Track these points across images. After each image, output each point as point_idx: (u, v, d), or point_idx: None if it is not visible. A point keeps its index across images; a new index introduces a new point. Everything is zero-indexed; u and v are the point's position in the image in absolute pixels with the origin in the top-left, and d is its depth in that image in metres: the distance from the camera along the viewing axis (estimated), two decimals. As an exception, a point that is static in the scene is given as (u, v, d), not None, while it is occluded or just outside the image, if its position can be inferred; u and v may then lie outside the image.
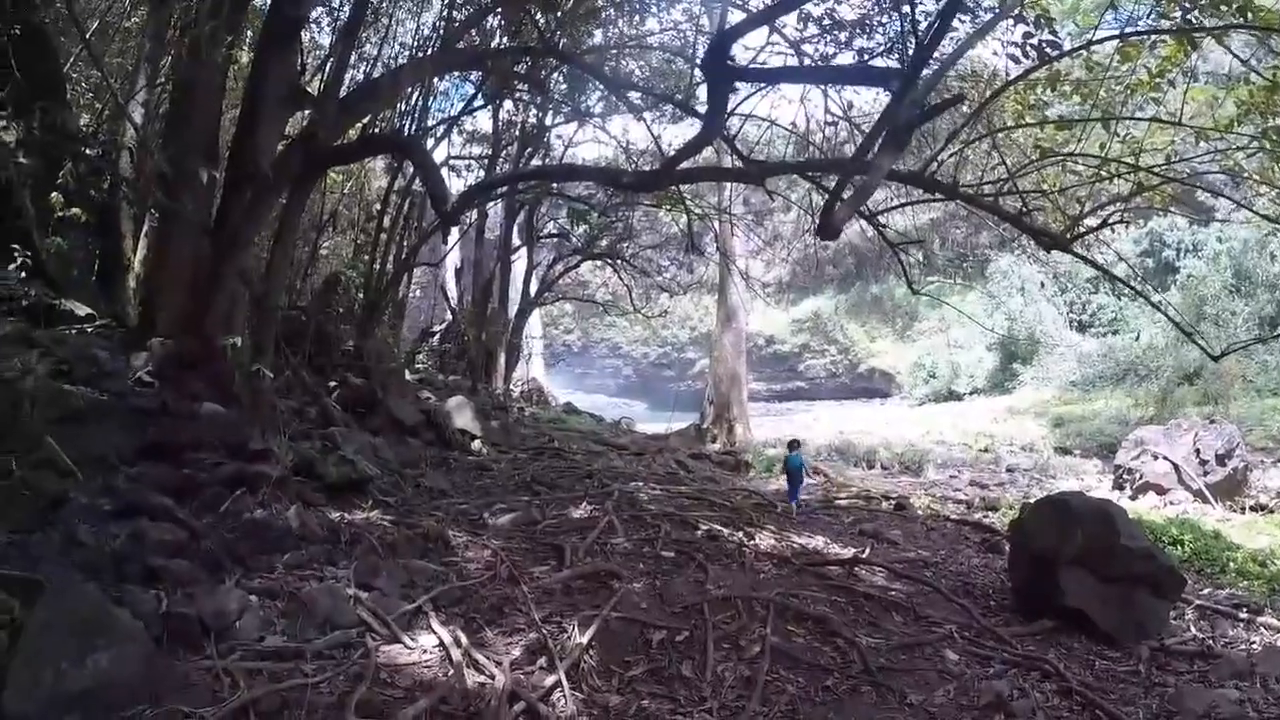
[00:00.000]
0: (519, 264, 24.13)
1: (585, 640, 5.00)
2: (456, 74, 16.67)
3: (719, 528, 8.13)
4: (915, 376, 39.58)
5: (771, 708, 4.73)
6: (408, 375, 15.94)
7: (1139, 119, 8.49)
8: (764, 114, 11.91)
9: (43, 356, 7.17)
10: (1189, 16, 6.93)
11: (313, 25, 13.94)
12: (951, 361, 37.22)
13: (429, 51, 12.81)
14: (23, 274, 8.73)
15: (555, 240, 24.65)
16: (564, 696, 4.41)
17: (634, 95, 12.60)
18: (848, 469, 20.42)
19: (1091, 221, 7.96)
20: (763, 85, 9.96)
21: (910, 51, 6.55)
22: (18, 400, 5.82)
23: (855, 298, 46.69)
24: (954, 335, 38.20)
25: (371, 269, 15.63)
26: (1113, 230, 9.05)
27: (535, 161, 19.92)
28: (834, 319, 46.36)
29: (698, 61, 10.85)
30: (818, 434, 24.97)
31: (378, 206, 17.29)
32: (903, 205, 9.53)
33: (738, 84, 8.40)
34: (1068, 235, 7.47)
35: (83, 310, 9.11)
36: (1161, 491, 15.73)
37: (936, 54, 6.38)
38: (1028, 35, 7.15)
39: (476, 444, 11.51)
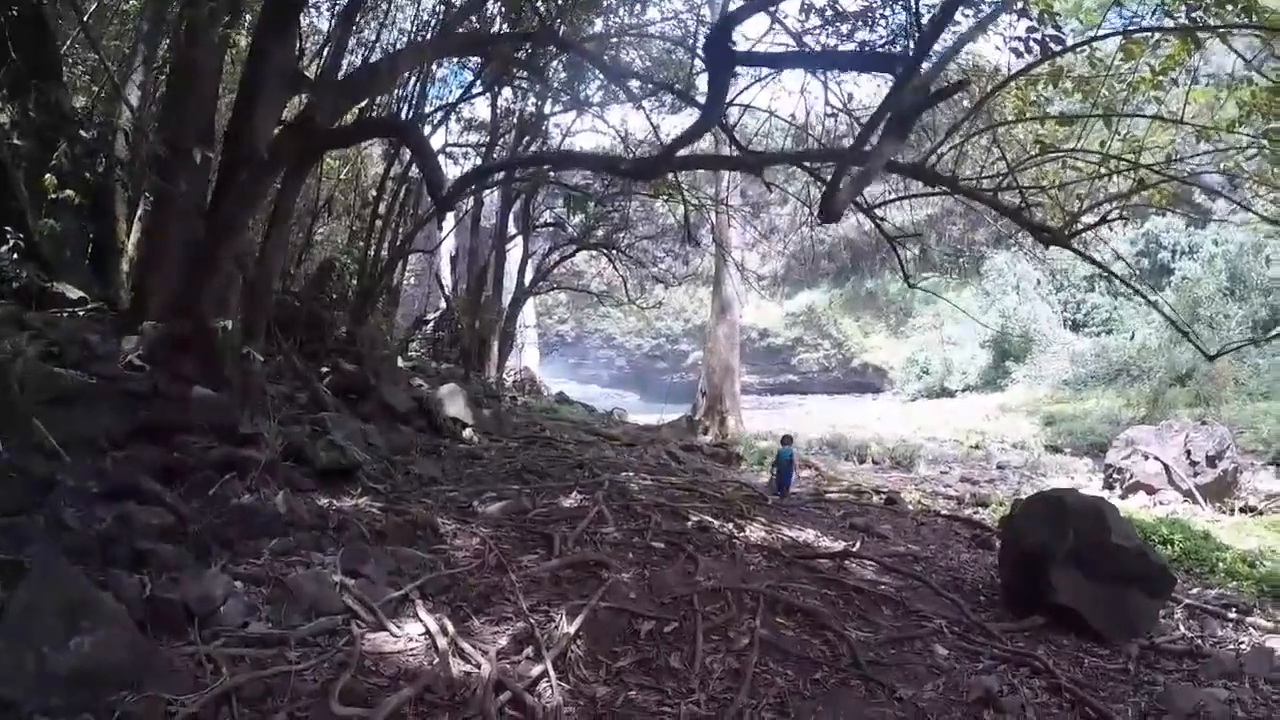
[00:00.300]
0: (514, 253, 24.09)
1: (573, 630, 4.96)
2: (455, 61, 16.65)
3: (709, 519, 8.10)
4: (908, 372, 39.67)
5: (760, 700, 4.70)
6: (401, 362, 15.90)
7: (1141, 116, 8.47)
8: (763, 106, 11.88)
9: (33, 339, 7.13)
10: (1193, 15, 6.88)
11: (311, 9, 13.89)
12: (944, 358, 37.31)
13: (428, 36, 12.75)
14: (15, 256, 8.66)
15: (551, 229, 24.63)
16: (551, 686, 4.36)
17: (633, 84, 12.52)
18: (839, 463, 20.46)
19: (1090, 218, 7.95)
20: (763, 75, 9.95)
21: (913, 42, 6.50)
22: (7, 382, 5.76)
23: (850, 292, 46.79)
24: (947, 332, 38.27)
25: (366, 255, 15.60)
26: (1110, 229, 9.05)
27: (533, 150, 19.85)
28: (828, 313, 46.48)
29: (698, 50, 10.82)
30: (809, 428, 25.01)
31: (374, 193, 17.26)
32: (901, 199, 9.52)
33: (738, 70, 8.36)
34: (1066, 231, 7.44)
35: (75, 293, 9.06)
36: (1151, 491, 15.80)
37: (939, 45, 6.33)
38: (1031, 30, 7.11)
39: (468, 432, 11.47)
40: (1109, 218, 8.16)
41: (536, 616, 5.12)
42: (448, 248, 25.45)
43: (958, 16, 6.20)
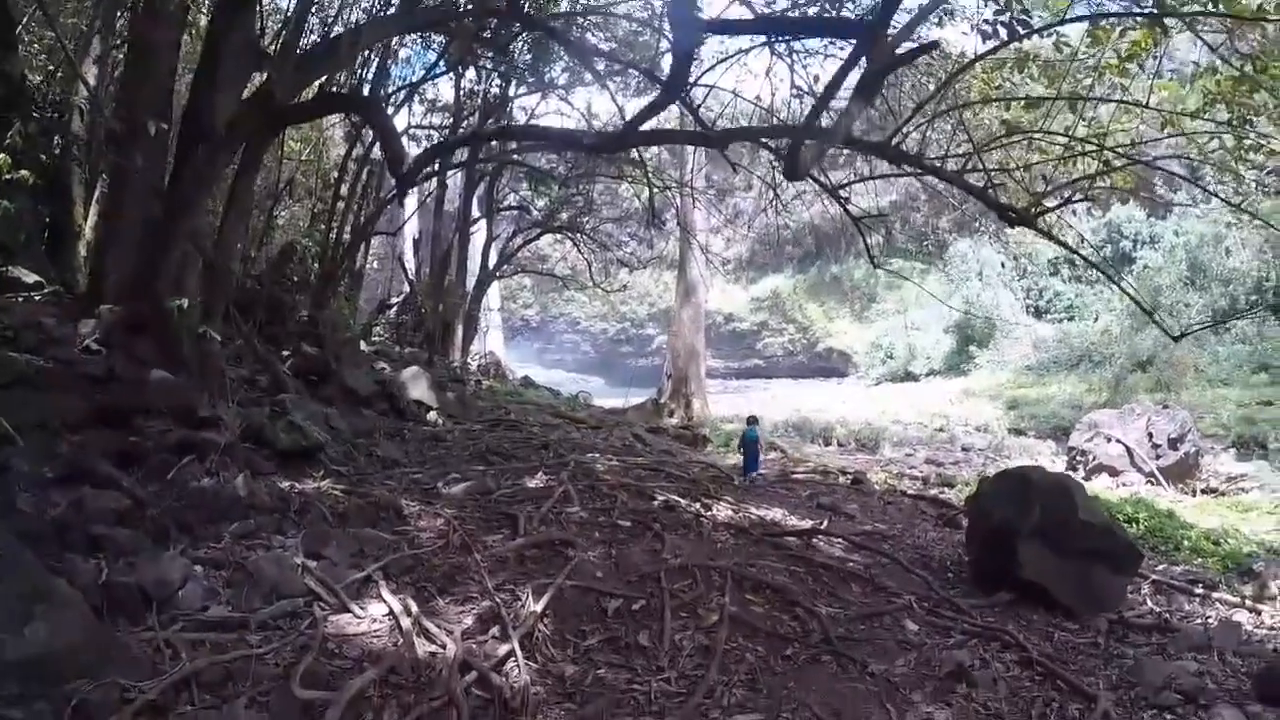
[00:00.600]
0: (478, 236, 23.87)
1: (539, 609, 4.90)
2: (418, 39, 16.40)
3: (676, 498, 8.05)
4: (872, 357, 39.88)
5: (731, 676, 4.68)
6: (364, 347, 15.70)
7: (1107, 100, 8.50)
8: (728, 88, 11.82)
9: (-13, 325, 6.97)
10: (1161, 1, 6.92)
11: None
12: (908, 343, 37.51)
13: (390, 12, 12.54)
14: (-33, 240, 8.45)
15: (515, 213, 24.45)
16: (518, 666, 4.31)
17: (599, 63, 12.41)
18: (805, 445, 20.55)
19: (1055, 200, 7.97)
20: (729, 54, 9.89)
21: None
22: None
23: (814, 278, 46.95)
24: (911, 317, 38.48)
25: (328, 238, 15.36)
26: (1074, 213, 9.10)
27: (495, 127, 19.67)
28: (793, 298, 46.60)
29: (664, 30, 10.73)
30: (775, 411, 25.14)
31: (335, 175, 17.01)
32: (867, 179, 9.50)
33: (702, 55, 8.30)
34: (1032, 211, 7.45)
35: (30, 277, 8.85)
36: (1114, 473, 16.00)
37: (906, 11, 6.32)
38: (998, 13, 7.12)
39: (432, 415, 11.35)
40: (1074, 199, 8.18)
41: (502, 596, 5.06)
42: (411, 231, 25.17)
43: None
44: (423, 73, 17.17)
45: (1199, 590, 7.28)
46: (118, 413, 6.32)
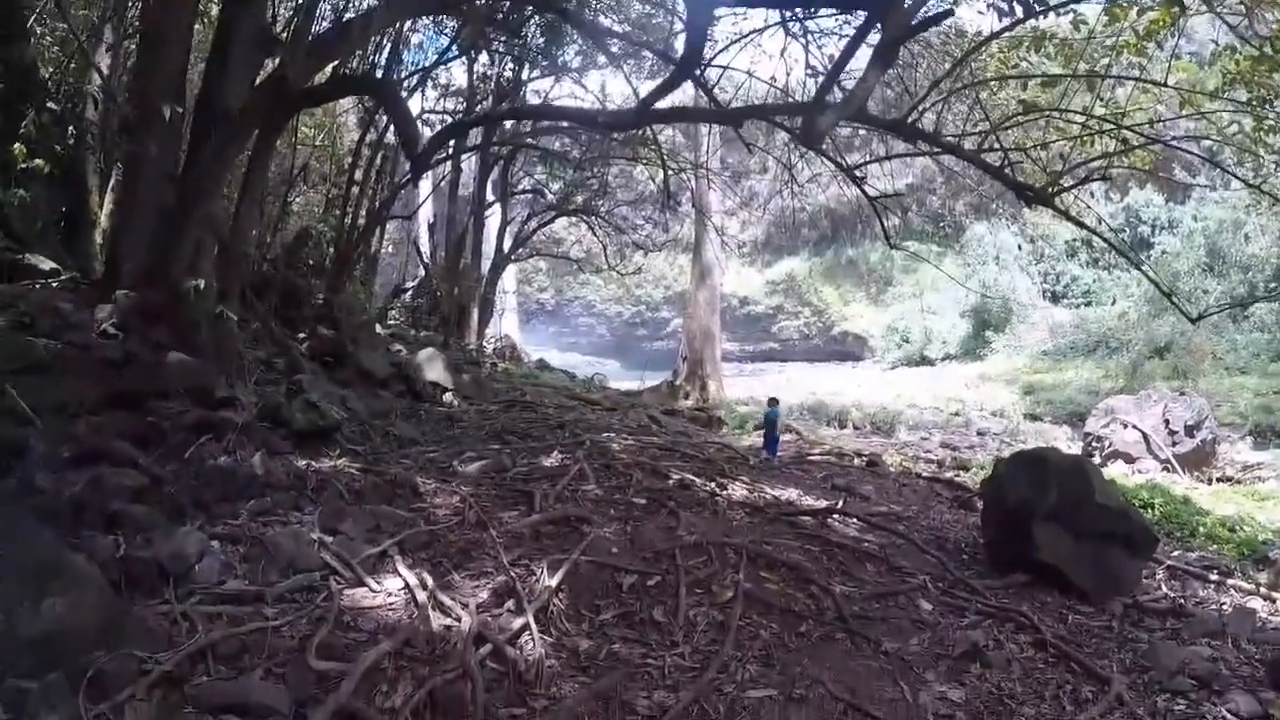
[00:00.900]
0: (493, 219, 23.89)
1: (554, 583, 4.90)
2: (430, 24, 16.37)
3: (691, 477, 8.04)
4: (888, 340, 39.81)
5: (745, 652, 4.68)
6: (379, 330, 15.77)
7: (1124, 78, 8.42)
8: (742, 68, 11.76)
9: (4, 310, 7.01)
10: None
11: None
12: (925, 327, 37.42)
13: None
14: (-16, 228, 8.51)
15: (529, 196, 24.44)
16: (532, 639, 4.32)
17: (613, 45, 12.36)
18: (820, 428, 20.53)
19: (1072, 180, 7.90)
20: (743, 34, 9.84)
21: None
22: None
23: (830, 260, 46.81)
24: (928, 301, 38.37)
25: (343, 223, 15.40)
26: (1091, 194, 9.03)
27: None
28: (808, 281, 46.49)
29: (677, 7, 10.67)
30: (790, 394, 25.11)
31: (349, 160, 17.03)
32: (883, 159, 9.43)
33: (715, 38, 8.24)
34: (1050, 190, 7.39)
35: (47, 265, 8.90)
36: (1130, 460, 15.92)
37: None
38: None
39: (448, 396, 11.39)
40: (1091, 178, 8.12)
41: (517, 571, 5.07)
42: (425, 215, 25.21)
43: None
44: (435, 57, 17.16)
45: (1214, 576, 7.23)
46: (135, 395, 6.36)
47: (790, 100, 11.18)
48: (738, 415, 18.38)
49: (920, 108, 7.55)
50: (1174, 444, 15.89)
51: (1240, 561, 8.31)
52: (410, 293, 22.90)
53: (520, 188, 24.12)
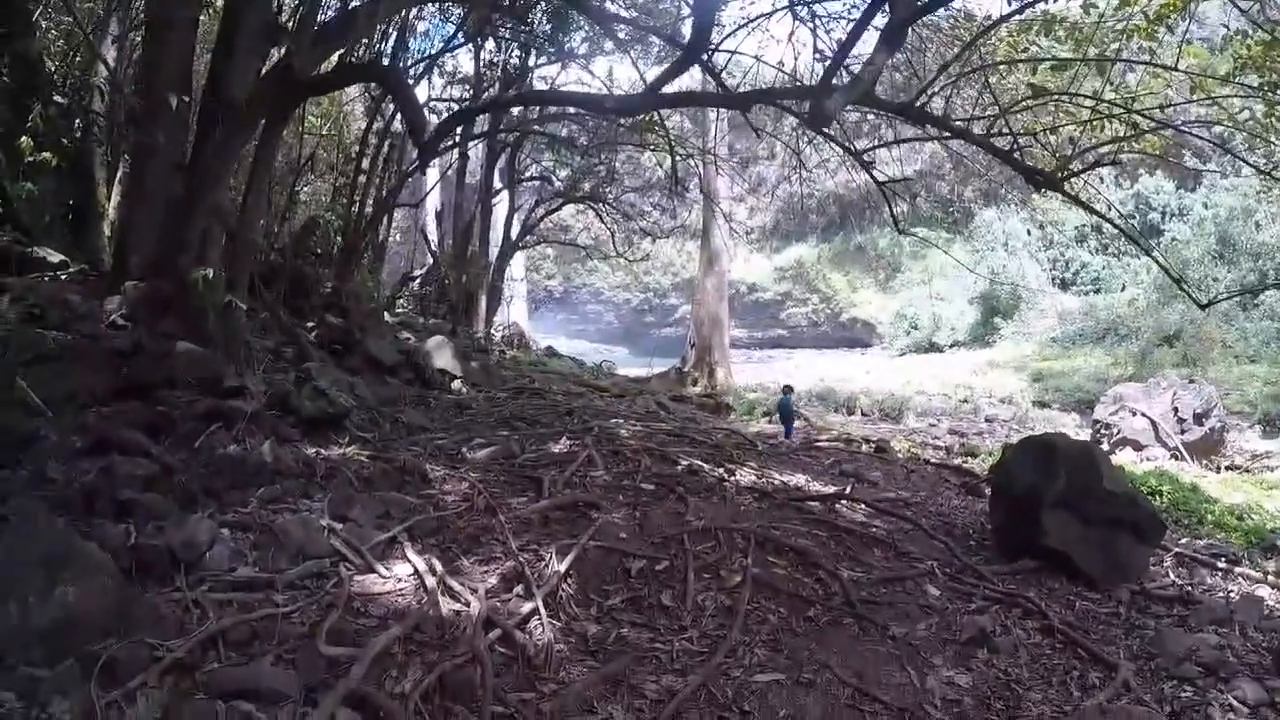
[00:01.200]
0: (500, 207, 23.88)
1: (563, 569, 4.93)
2: (436, 11, 16.35)
3: (699, 463, 8.06)
4: (896, 327, 39.64)
5: (753, 637, 4.70)
6: (388, 318, 15.78)
7: (1135, 62, 8.38)
8: (751, 54, 11.72)
9: (14, 302, 7.06)
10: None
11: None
12: (933, 314, 37.28)
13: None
14: (-8, 221, 8.56)
15: (537, 183, 24.42)
16: (541, 624, 4.34)
17: (620, 30, 12.32)
18: (828, 414, 20.55)
19: (1083, 164, 7.86)
20: (751, 18, 9.81)
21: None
22: (-13, 344, 5.72)
23: (838, 247, 46.62)
24: (936, 287, 38.24)
25: (350, 212, 15.41)
26: (1101, 180, 8.99)
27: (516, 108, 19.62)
28: (816, 268, 46.34)
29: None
30: (799, 381, 24.90)
31: (356, 149, 17.03)
32: (891, 144, 9.41)
33: (723, 22, 8.20)
34: (1060, 174, 7.35)
35: (56, 257, 8.95)
36: (1139, 447, 15.90)
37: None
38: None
39: (456, 384, 11.42)
40: (1101, 163, 8.08)
41: (526, 556, 5.10)
42: (433, 203, 25.21)
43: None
44: (442, 45, 17.14)
45: (1221, 564, 7.21)
46: (145, 385, 6.37)
47: (799, 84, 11.15)
48: (746, 401, 18.43)
49: (929, 91, 7.53)
50: (1182, 432, 15.87)
51: (1248, 549, 8.28)
52: (418, 281, 22.91)
53: (528, 175, 24.10)
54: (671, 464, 7.96)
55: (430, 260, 22.85)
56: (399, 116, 13.51)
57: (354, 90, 19.76)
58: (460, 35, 16.27)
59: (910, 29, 7.94)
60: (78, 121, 10.51)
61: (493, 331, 22.73)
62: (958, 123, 7.62)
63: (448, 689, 3.75)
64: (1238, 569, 7.16)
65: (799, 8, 9.89)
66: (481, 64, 19.30)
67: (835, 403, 22.59)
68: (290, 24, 9.90)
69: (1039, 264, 36.39)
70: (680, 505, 6.58)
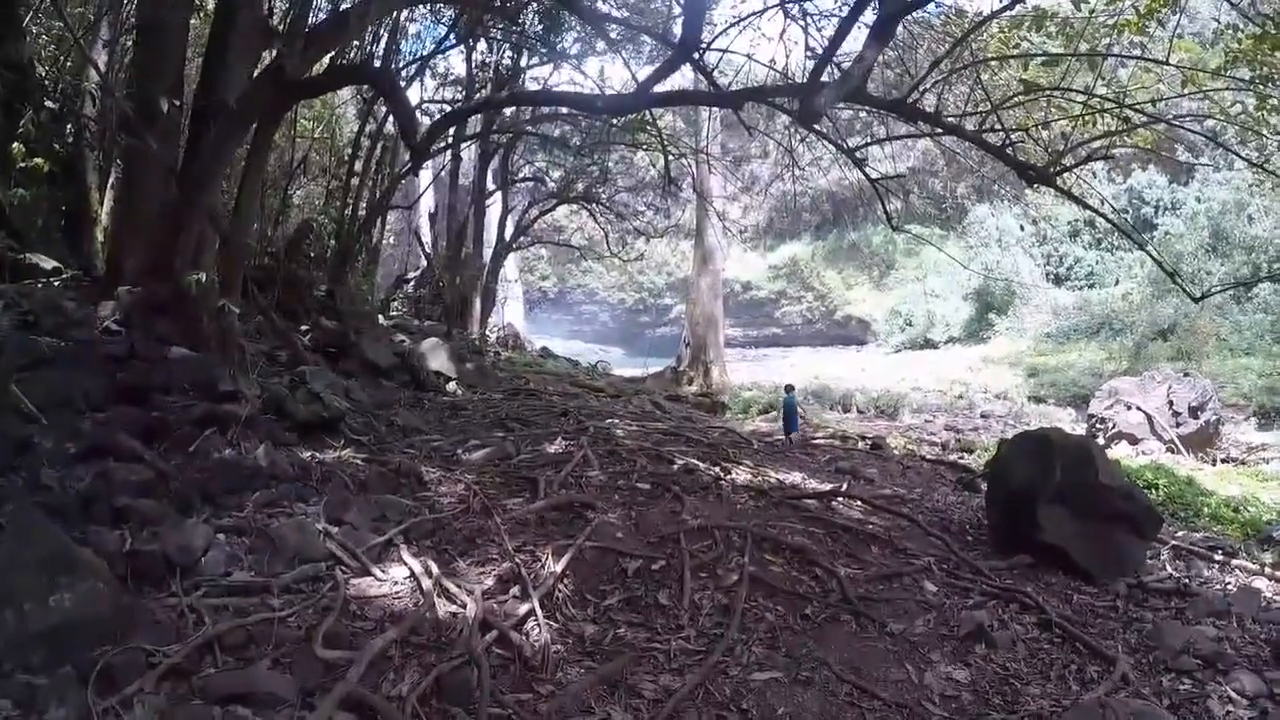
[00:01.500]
0: (494, 208, 23.87)
1: (559, 569, 4.93)
2: (428, 13, 16.33)
3: (695, 462, 8.07)
4: (891, 324, 39.69)
5: (750, 635, 4.70)
6: (382, 320, 15.78)
7: (1126, 56, 8.39)
8: (742, 53, 11.72)
9: (7, 308, 7.06)
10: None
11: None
12: (928, 310, 37.33)
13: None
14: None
15: (530, 184, 24.41)
16: (538, 625, 4.34)
17: (611, 30, 12.31)
18: (824, 412, 20.55)
19: (1074, 159, 7.87)
20: (742, 16, 9.81)
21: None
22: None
23: (832, 244, 46.69)
24: (930, 284, 38.27)
25: (343, 215, 15.40)
26: (1094, 174, 9.01)
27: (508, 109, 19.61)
28: (811, 266, 46.40)
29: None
30: (794, 379, 24.99)
31: (349, 152, 17.02)
32: (883, 141, 9.41)
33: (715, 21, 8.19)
34: (1052, 169, 7.36)
35: (49, 263, 8.95)
36: (1134, 441, 15.92)
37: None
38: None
39: (451, 385, 11.42)
40: (1094, 157, 8.08)
41: (522, 557, 5.10)
42: (426, 205, 25.22)
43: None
44: (433, 46, 17.14)
45: (1218, 557, 7.21)
46: (139, 390, 6.37)
47: (790, 82, 11.16)
48: (741, 400, 18.42)
49: (921, 88, 7.52)
50: (1178, 425, 15.90)
51: (1245, 542, 8.31)
52: (412, 283, 22.91)
53: (521, 176, 24.08)
54: (667, 463, 7.96)
55: (424, 262, 22.86)
56: (391, 119, 13.49)
57: (346, 93, 19.78)
58: (452, 37, 16.27)
59: (901, 25, 7.93)
60: (69, 127, 10.50)
61: (487, 333, 22.73)
62: (950, 119, 7.62)
63: (445, 691, 3.75)
64: (1235, 561, 7.16)
65: (790, 6, 9.87)
66: (473, 65, 19.31)
67: (831, 400, 22.60)
68: (282, 26, 9.90)
69: (1033, 259, 36.39)
70: (676, 504, 6.58)
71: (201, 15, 11.45)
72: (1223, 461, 15.42)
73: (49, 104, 10.07)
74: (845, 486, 8.11)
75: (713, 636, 4.62)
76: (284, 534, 4.89)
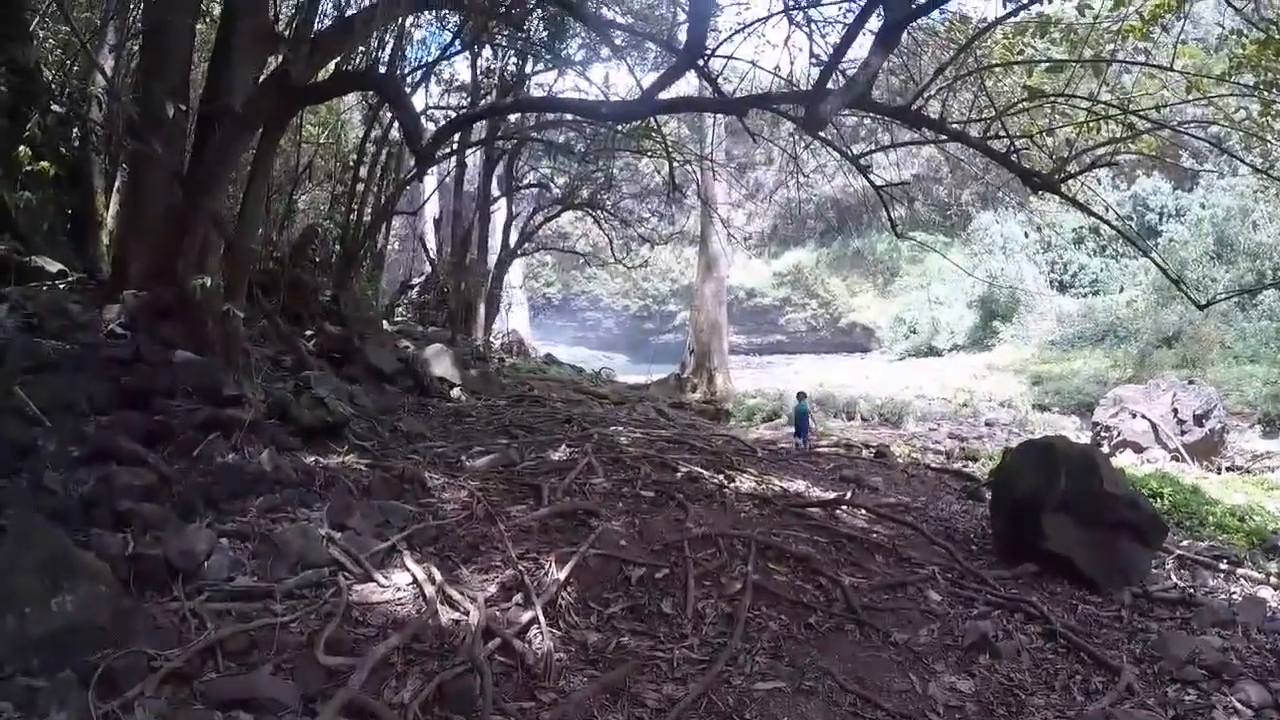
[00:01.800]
0: (498, 215, 23.90)
1: (563, 577, 4.92)
2: (434, 19, 16.36)
3: (699, 470, 8.05)
4: (895, 331, 39.68)
5: (754, 644, 4.68)
6: (386, 326, 15.78)
7: (1130, 63, 8.39)
8: (746, 59, 11.72)
9: (12, 311, 7.06)
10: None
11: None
12: (932, 318, 37.33)
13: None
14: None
15: (535, 191, 24.43)
16: (541, 633, 4.33)
17: (616, 36, 12.32)
18: (828, 420, 20.53)
19: (1079, 166, 7.87)
20: (747, 24, 9.81)
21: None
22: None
23: (837, 251, 46.71)
24: (935, 291, 38.27)
25: (348, 220, 15.42)
26: (1099, 181, 8.99)
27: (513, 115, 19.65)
28: (815, 273, 46.43)
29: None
30: (798, 387, 25.05)
31: (354, 157, 17.06)
32: (888, 148, 9.41)
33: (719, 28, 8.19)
34: (1056, 177, 7.35)
35: (54, 266, 8.97)
36: (1139, 449, 15.90)
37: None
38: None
39: (455, 392, 11.41)
40: (1098, 164, 8.08)
41: (526, 564, 5.08)
42: (431, 211, 25.22)
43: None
44: (439, 52, 17.15)
45: (1223, 566, 7.21)
46: (143, 394, 6.38)
47: (794, 89, 11.16)
48: (745, 408, 18.40)
49: (925, 95, 7.52)
50: (1183, 433, 15.87)
51: (1250, 551, 8.29)
52: (417, 289, 22.95)
53: (526, 182, 24.11)
54: (671, 471, 7.94)
55: (429, 268, 22.87)
56: (396, 124, 13.50)
57: (351, 99, 19.80)
58: (457, 43, 16.26)
59: (906, 32, 7.93)
60: (75, 130, 10.53)
61: (492, 339, 22.74)
62: (954, 126, 7.61)
63: (447, 698, 3.74)
64: (1240, 571, 7.16)
65: (794, 13, 9.87)
66: (478, 71, 19.33)
67: (835, 408, 22.59)
68: (287, 32, 9.92)
69: (1037, 267, 36.36)
70: (680, 512, 6.56)
71: (207, 20, 11.49)
72: (1228, 470, 15.40)
73: (55, 108, 10.10)
74: (849, 495, 8.10)
75: (716, 645, 4.60)
76: (287, 539, 4.88)
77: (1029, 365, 28.92)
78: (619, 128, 16.91)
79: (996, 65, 9.46)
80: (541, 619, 4.43)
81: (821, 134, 8.13)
